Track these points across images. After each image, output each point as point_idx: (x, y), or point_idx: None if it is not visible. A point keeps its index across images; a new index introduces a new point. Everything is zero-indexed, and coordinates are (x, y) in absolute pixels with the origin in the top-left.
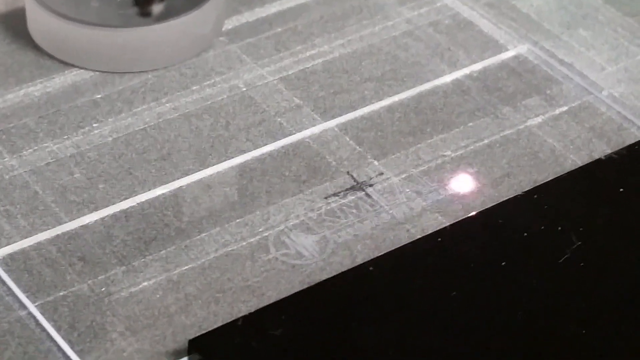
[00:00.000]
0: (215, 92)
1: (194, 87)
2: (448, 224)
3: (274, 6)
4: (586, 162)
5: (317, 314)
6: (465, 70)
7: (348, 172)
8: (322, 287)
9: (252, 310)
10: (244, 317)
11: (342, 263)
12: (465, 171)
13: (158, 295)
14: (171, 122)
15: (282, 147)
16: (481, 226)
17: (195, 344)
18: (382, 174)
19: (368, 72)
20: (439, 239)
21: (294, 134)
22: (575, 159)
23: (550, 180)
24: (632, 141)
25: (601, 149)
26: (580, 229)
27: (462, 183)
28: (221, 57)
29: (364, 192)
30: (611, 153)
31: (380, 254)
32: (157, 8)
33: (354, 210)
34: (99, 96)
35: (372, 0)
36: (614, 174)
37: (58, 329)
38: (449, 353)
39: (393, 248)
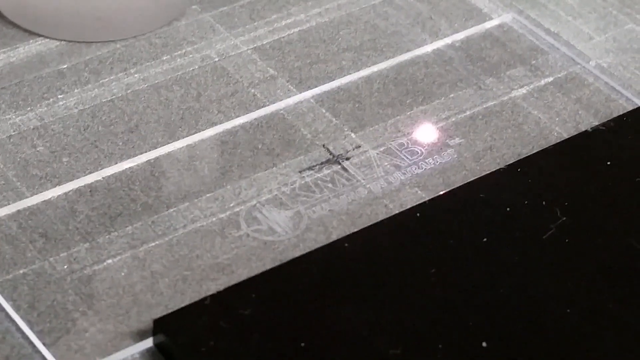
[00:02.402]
0: (187, 62)
1: (164, 57)
2: (428, 198)
3: None
4: (572, 135)
5: (290, 293)
6: (447, 40)
7: (324, 145)
8: (295, 264)
9: (221, 288)
10: (212, 295)
11: (316, 239)
12: (446, 144)
13: (123, 273)
14: (140, 93)
15: (255, 119)
16: (462, 201)
17: (161, 324)
18: (359, 146)
19: (346, 42)
20: (418, 214)
21: (268, 105)
22: (561, 131)
23: (535, 153)
24: (620, 113)
25: (588, 121)
26: (566, 203)
27: (443, 156)
28: (193, 26)
29: (340, 166)
30: (598, 125)
31: (356, 230)
32: None
33: (330, 185)
34: (65, 66)
35: None
36: (600, 147)
37: (17, 309)
38: (427, 332)
39: (370, 224)
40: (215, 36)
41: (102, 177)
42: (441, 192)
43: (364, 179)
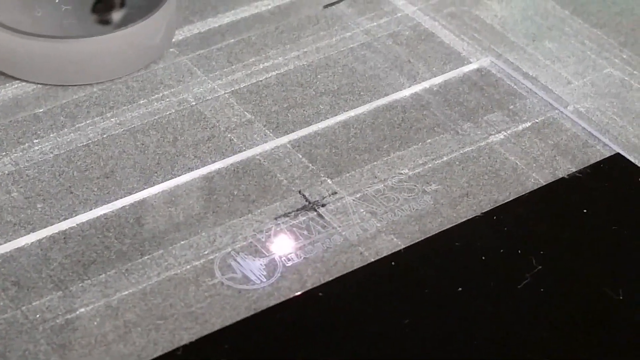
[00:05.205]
0: (163, 106)
1: (141, 101)
2: (404, 246)
3: (227, 16)
4: (549, 181)
5: (263, 343)
6: (425, 84)
7: (300, 192)
8: (269, 313)
9: (194, 338)
10: (184, 346)
11: (290, 288)
12: (423, 190)
13: (95, 323)
14: (116, 137)
15: (232, 164)
16: (437, 249)
17: None
18: (335, 193)
19: (324, 86)
20: (393, 263)
21: (245, 150)
22: (538, 178)
23: (511, 200)
24: (598, 159)
25: (565, 167)
26: (541, 252)
27: (419, 203)
28: (171, 69)
29: (315, 213)
30: (575, 172)
31: (331, 279)
32: (116, 16)
33: (305, 232)
34: (41, 110)
35: (329, 10)
36: (577, 194)
37: None
38: None
39: (345, 272)
40: (192, 79)
41: (77, 224)
42: (417, 240)
43: (339, 226)
